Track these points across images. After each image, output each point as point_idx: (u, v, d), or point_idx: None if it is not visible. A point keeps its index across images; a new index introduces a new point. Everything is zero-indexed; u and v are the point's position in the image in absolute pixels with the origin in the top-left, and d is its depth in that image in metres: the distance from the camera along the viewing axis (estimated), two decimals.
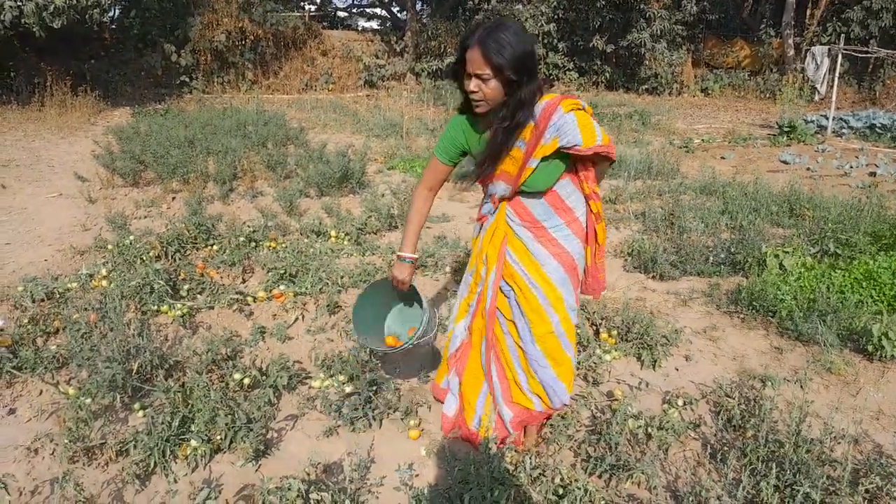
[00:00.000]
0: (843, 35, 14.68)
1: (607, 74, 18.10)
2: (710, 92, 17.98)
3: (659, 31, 17.03)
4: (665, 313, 4.01)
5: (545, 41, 18.07)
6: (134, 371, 2.90)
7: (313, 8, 21.84)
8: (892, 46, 15.18)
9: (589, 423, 2.84)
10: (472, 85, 2.02)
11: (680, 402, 2.90)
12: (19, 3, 10.35)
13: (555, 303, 2.36)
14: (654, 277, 4.56)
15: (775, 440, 2.50)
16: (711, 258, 4.70)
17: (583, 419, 2.86)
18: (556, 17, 17.99)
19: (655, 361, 3.34)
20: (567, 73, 18.23)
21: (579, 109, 2.17)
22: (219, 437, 2.56)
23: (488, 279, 2.41)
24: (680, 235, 5.16)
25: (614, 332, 3.57)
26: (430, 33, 17.97)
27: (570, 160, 2.26)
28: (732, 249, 4.73)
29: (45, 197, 6.44)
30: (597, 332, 3.64)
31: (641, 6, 16.84)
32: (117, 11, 16.61)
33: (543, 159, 2.18)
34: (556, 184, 2.28)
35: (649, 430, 2.66)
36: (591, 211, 2.38)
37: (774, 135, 10.83)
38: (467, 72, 2.03)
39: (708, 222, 5.45)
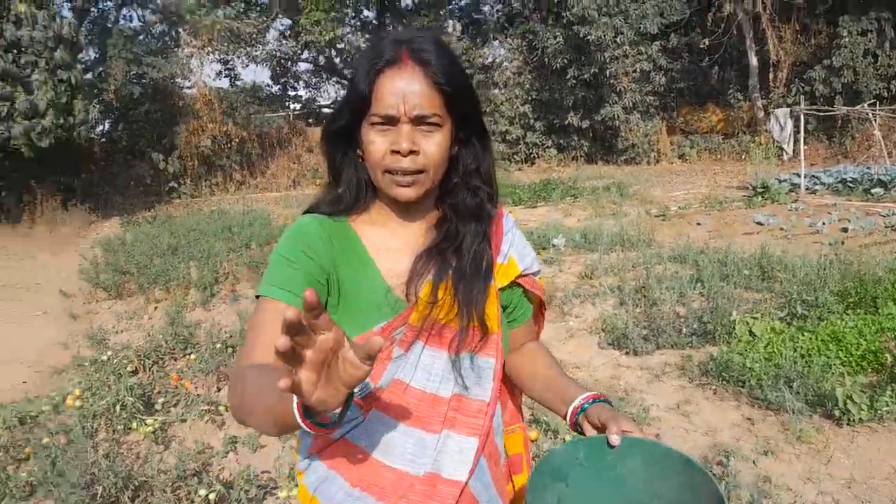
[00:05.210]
0: (806, 95, 15.17)
1: (585, 149, 18.62)
2: (687, 157, 18.41)
3: (631, 104, 17.63)
4: (639, 390, 4.01)
5: (522, 122, 18.69)
6: (98, 496, 2.89)
7: (298, 106, 22.61)
8: (857, 101, 15.67)
9: None
10: (405, 140, 1.06)
11: None
12: (8, 126, 10.77)
13: None
14: (627, 353, 4.58)
15: None
16: (684, 329, 4.73)
17: None
18: (530, 98, 18.67)
19: None
20: (546, 150, 18.75)
21: None
22: None
23: None
24: (651, 307, 5.21)
25: None
26: None
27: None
28: (704, 318, 4.78)
29: (29, 316, 6.51)
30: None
31: (611, 82, 17.50)
32: (107, 125, 17.21)
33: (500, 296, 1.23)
34: (497, 403, 1.24)
35: None
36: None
37: (749, 196, 11.04)
38: (381, 117, 1.07)
39: (680, 292, 5.52)
